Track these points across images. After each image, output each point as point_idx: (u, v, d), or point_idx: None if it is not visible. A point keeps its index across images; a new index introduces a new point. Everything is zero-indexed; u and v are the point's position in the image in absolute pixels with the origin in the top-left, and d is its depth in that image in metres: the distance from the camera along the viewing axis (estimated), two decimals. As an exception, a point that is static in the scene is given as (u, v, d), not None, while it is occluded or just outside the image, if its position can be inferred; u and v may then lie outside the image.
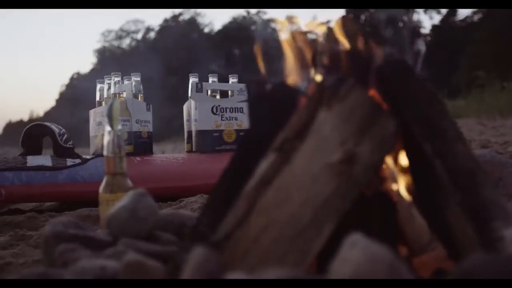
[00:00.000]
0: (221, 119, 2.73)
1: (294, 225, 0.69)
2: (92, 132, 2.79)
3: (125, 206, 0.90)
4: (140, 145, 2.64)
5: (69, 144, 2.50)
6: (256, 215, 0.70)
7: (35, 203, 2.55)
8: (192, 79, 2.80)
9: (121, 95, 2.64)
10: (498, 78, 10.76)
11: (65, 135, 2.51)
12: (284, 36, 0.93)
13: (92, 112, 2.80)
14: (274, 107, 0.84)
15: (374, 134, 0.71)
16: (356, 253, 0.54)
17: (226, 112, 2.74)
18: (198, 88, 2.75)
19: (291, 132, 0.73)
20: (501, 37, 13.04)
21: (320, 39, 0.90)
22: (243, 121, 2.74)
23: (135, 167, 2.39)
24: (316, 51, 0.86)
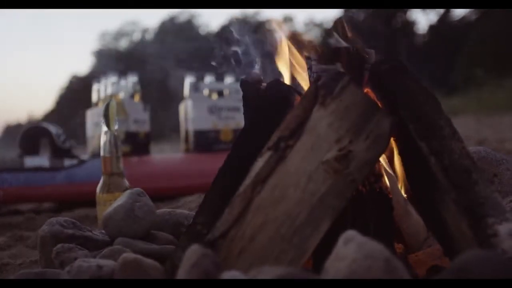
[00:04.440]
0: (218, 119, 2.74)
1: (290, 223, 0.70)
2: (89, 133, 2.80)
3: (122, 206, 0.90)
4: (137, 145, 2.65)
5: (67, 145, 2.51)
6: (252, 213, 0.71)
7: (33, 204, 2.55)
8: (189, 79, 2.80)
9: (118, 96, 2.65)
10: (496, 76, 10.78)
11: (63, 136, 2.52)
12: (280, 36, 0.93)
13: (89, 112, 2.81)
14: (269, 105, 0.84)
15: (369, 132, 0.71)
16: (351, 249, 0.54)
17: (223, 111, 2.75)
18: (195, 88, 2.76)
19: (286, 130, 0.74)
20: (498, 36, 13.05)
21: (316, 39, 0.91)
22: (240, 121, 2.75)
23: (132, 167, 2.39)
24: (311, 50, 0.87)
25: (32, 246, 1.42)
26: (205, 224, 0.77)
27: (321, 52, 0.84)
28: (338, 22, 0.88)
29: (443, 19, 16.77)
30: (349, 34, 0.87)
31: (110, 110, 1.09)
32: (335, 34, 0.88)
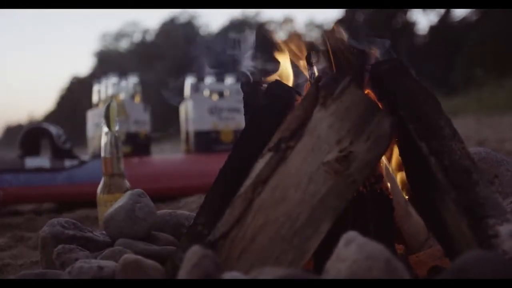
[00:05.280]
0: (218, 120, 2.74)
1: (291, 224, 0.70)
2: (90, 134, 2.80)
3: (123, 207, 0.90)
4: (138, 145, 2.65)
5: (67, 146, 2.51)
6: (253, 214, 0.71)
7: (34, 205, 2.55)
8: (189, 80, 2.81)
9: (119, 96, 2.65)
10: (496, 76, 10.78)
11: (64, 137, 2.52)
12: (280, 37, 0.93)
13: (90, 113, 2.81)
14: (269, 106, 0.84)
15: (369, 133, 0.72)
16: (352, 250, 0.54)
17: (223, 112, 2.75)
18: (195, 89, 2.76)
19: (287, 131, 0.74)
20: (498, 36, 13.04)
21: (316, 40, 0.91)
22: (241, 121, 2.75)
23: (133, 168, 2.39)
24: (312, 51, 0.87)
25: (33, 247, 1.42)
26: (206, 224, 0.77)
27: (321, 53, 0.84)
28: (338, 23, 0.88)
29: (443, 20, 16.77)
30: (350, 35, 0.88)
31: (110, 111, 1.10)
32: (335, 35, 0.88)
